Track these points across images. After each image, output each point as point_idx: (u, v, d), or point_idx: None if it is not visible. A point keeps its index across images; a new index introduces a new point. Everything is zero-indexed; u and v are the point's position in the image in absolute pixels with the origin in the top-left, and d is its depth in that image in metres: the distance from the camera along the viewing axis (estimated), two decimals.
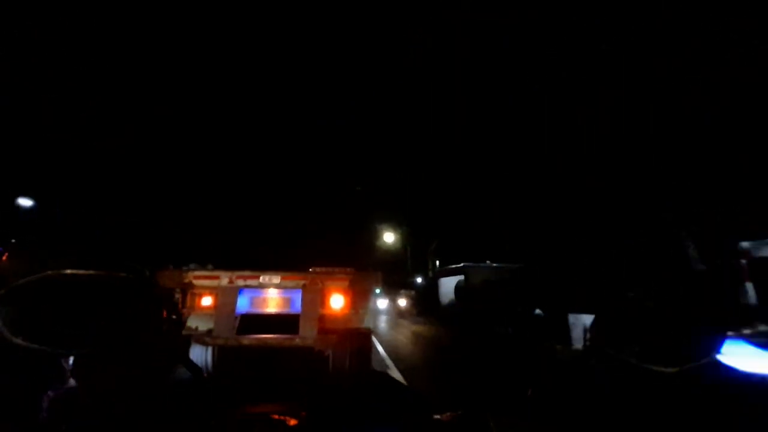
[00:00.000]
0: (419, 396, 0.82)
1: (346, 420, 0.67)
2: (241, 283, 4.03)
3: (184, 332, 3.99)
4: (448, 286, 15.77)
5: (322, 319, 4.00)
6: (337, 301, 4.10)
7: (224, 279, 4.02)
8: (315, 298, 4.02)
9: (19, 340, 0.69)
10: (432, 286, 22.96)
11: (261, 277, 4.08)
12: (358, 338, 4.17)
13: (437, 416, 0.78)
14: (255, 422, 0.77)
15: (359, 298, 4.19)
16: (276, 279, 4.09)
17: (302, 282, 4.10)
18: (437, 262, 28.44)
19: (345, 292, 4.12)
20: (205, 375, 3.95)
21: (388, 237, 28.70)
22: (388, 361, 6.65)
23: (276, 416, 0.75)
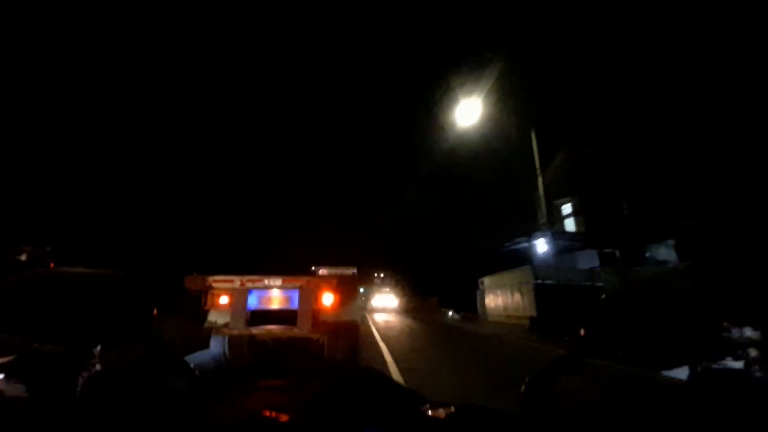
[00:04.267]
0: (412, 392, 0.81)
1: (342, 417, 0.63)
2: (250, 285, 5.01)
3: (205, 325, 5.01)
4: None
5: (315, 313, 4.95)
6: (327, 299, 5.04)
7: (237, 282, 5.00)
8: (309, 297, 4.97)
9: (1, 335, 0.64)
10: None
11: (265, 280, 5.05)
12: (346, 329, 5.12)
13: (431, 412, 0.74)
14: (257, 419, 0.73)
15: (346, 296, 5.13)
16: (278, 281, 5.06)
17: (299, 284, 5.06)
18: (566, 207, 13.23)
19: (334, 291, 5.06)
20: (224, 359, 4.98)
21: (467, 112, 11.24)
22: (387, 356, 6.73)
23: (272, 414, 0.71)
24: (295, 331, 4.88)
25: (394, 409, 0.70)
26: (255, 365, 5.10)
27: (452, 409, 0.70)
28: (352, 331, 5.20)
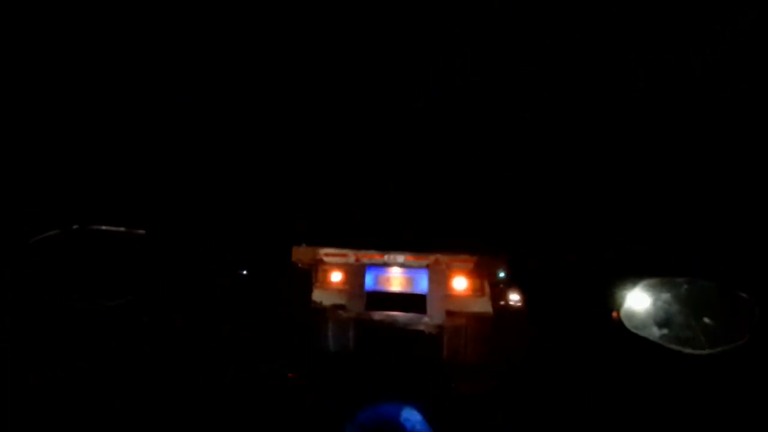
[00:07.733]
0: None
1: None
2: (366, 261, 4.14)
3: (312, 306, 4.19)
4: None
5: (447, 300, 4.00)
6: (460, 284, 4.07)
7: (351, 257, 4.15)
8: (440, 279, 4.03)
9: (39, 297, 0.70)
10: None
11: (385, 256, 4.15)
12: (481, 321, 4.12)
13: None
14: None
15: (482, 281, 4.13)
16: (400, 258, 4.14)
17: (426, 262, 4.11)
18: None
19: (468, 275, 4.08)
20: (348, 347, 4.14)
21: None
22: None
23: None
24: (426, 320, 3.95)
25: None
26: (378, 357, 4.23)
27: (478, 385, 0.65)
28: (486, 325, 4.20)
